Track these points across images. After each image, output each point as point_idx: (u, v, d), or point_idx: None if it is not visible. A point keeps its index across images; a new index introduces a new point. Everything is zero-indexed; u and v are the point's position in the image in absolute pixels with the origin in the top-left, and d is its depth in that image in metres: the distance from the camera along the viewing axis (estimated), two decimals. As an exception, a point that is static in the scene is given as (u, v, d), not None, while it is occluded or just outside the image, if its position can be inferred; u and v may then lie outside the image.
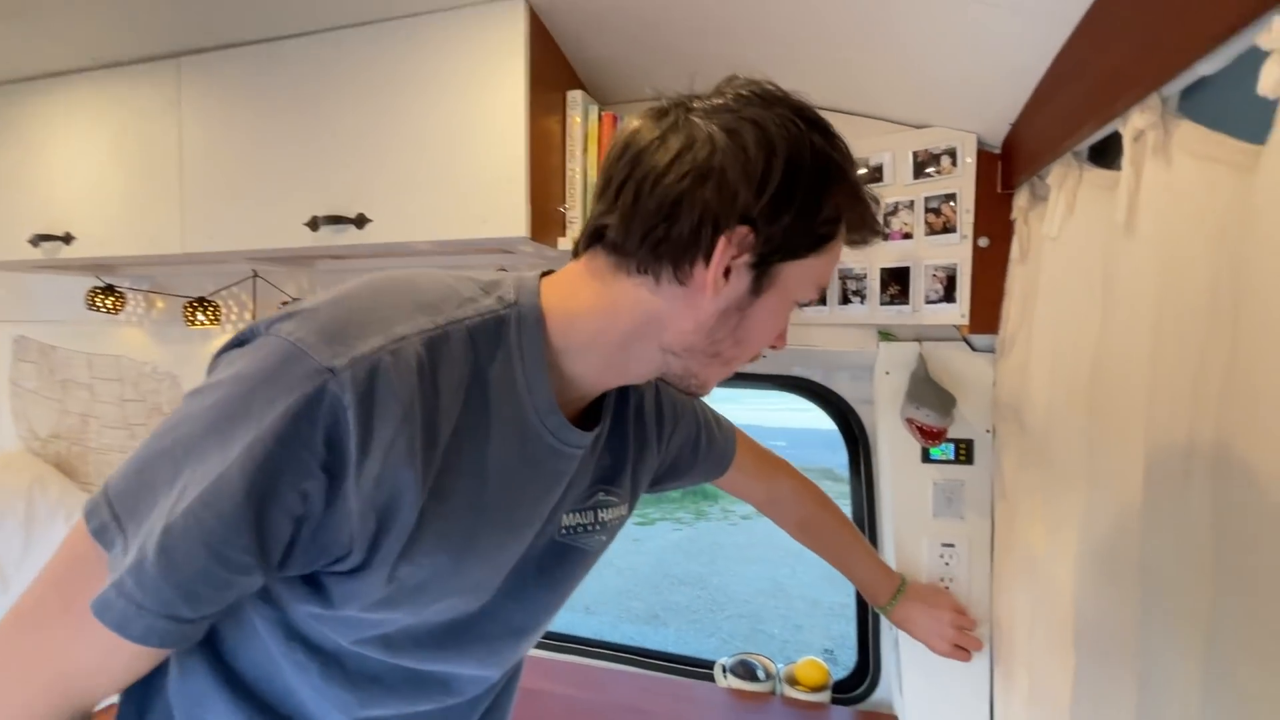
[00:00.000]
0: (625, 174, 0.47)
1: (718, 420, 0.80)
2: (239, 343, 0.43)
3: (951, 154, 0.96)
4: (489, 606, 0.53)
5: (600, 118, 1.06)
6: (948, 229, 0.97)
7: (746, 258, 0.46)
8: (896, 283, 1.01)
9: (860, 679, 1.32)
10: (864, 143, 1.01)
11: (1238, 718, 0.41)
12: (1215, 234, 0.48)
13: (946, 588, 1.04)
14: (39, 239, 1.25)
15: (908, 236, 1.00)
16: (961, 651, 0.95)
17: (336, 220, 1.03)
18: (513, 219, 0.95)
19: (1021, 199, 0.89)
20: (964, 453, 1.03)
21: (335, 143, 1.04)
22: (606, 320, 0.49)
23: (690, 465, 0.75)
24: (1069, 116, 0.70)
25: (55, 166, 1.26)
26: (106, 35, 1.13)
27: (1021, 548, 0.87)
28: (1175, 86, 0.53)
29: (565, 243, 1.04)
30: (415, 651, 0.51)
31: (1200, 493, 0.46)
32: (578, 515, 0.57)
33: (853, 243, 0.52)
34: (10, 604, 0.43)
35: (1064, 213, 0.73)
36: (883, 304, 1.02)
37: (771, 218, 0.45)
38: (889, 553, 1.10)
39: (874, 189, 1.00)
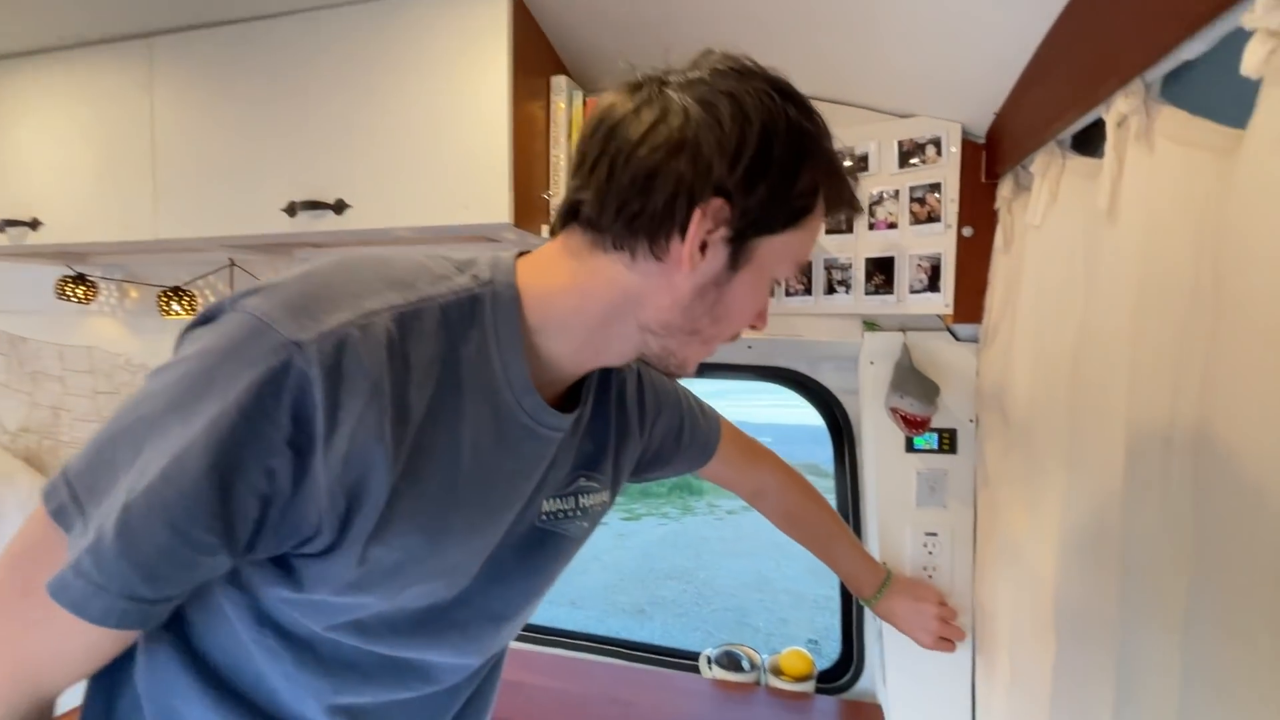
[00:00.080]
0: (599, 148, 0.46)
1: (702, 409, 0.80)
2: (205, 319, 0.42)
3: (936, 143, 0.96)
4: (466, 593, 0.52)
5: (585, 103, 1.04)
6: (932, 218, 0.97)
7: (723, 232, 0.46)
8: (881, 272, 1.01)
9: (844, 669, 1.33)
10: (849, 132, 1.01)
11: (1216, 700, 0.41)
12: (1197, 219, 0.48)
13: (930, 577, 1.04)
14: (4, 224, 1.22)
15: (893, 226, 1.00)
16: (946, 643, 0.96)
17: (315, 206, 1.01)
18: (495, 205, 0.93)
19: (1005, 189, 0.89)
20: (947, 442, 1.04)
21: (314, 126, 1.02)
22: (583, 298, 0.48)
23: (674, 454, 0.75)
24: (1053, 104, 0.71)
25: (22, 149, 1.22)
26: (75, 13, 1.10)
27: (1004, 535, 0.88)
28: (1158, 72, 0.53)
29: (550, 230, 1.03)
30: (391, 638, 0.50)
31: (1180, 478, 0.47)
32: (558, 501, 0.56)
33: (832, 220, 0.52)
34: None
35: (1047, 201, 0.73)
36: (867, 294, 1.02)
37: (746, 190, 0.45)
38: (873, 542, 1.11)
39: (859, 178, 1.01)
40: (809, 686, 1.28)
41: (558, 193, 1.04)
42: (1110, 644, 0.56)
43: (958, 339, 1.04)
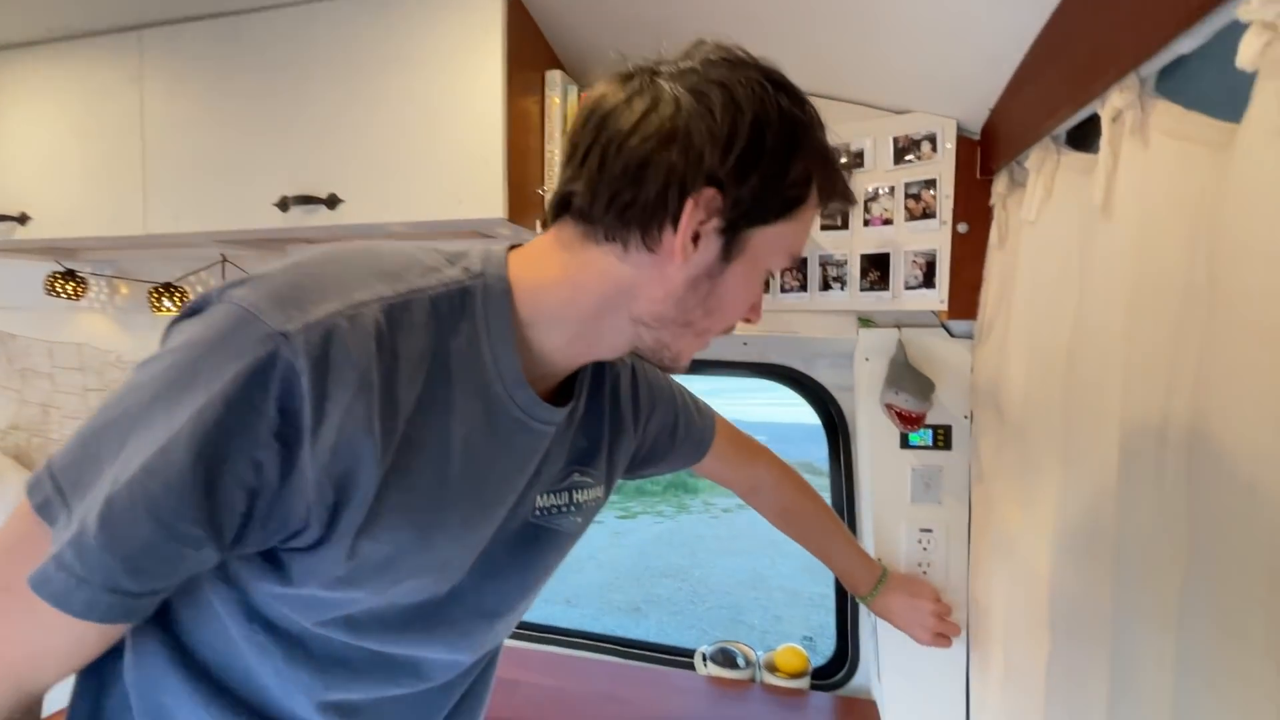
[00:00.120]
0: (591, 139, 0.46)
1: (697, 405, 0.79)
2: (192, 311, 0.41)
3: (931, 139, 0.96)
4: (459, 588, 0.52)
5: (579, 99, 1.04)
6: (927, 215, 0.97)
7: (715, 222, 0.46)
8: (876, 269, 1.01)
9: (839, 666, 1.33)
10: (845, 128, 1.01)
11: (1210, 694, 0.41)
12: (1192, 214, 0.48)
13: (924, 573, 1.05)
14: (-8, 219, 1.20)
15: (888, 223, 1.00)
16: (942, 639, 0.96)
17: (307, 200, 1.00)
18: (489, 200, 0.93)
19: (1000, 185, 0.89)
20: (942, 438, 1.04)
21: (306, 120, 1.01)
22: (575, 290, 0.48)
23: (668, 450, 0.74)
24: (1048, 99, 0.71)
25: (10, 143, 1.20)
26: (64, 5, 1.08)
27: (998, 531, 0.88)
28: (1153, 66, 0.53)
29: (541, 223, 1.03)
30: (382, 634, 0.50)
31: (1174, 473, 0.47)
32: (552, 496, 0.56)
33: (825, 212, 0.52)
34: None
35: (1042, 196, 0.73)
36: (863, 290, 1.02)
37: (738, 179, 0.44)
38: (868, 539, 1.11)
39: (855, 174, 1.00)
40: (804, 683, 1.28)
41: (552, 188, 1.03)
42: (1104, 639, 0.56)
43: (952, 335, 1.04)
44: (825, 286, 1.05)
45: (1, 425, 1.79)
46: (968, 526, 1.03)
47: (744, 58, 0.47)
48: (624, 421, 0.64)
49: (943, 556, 1.03)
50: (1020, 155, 0.80)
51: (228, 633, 0.47)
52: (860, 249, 1.02)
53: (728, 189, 0.44)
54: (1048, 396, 0.71)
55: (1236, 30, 0.41)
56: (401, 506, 0.43)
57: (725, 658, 1.33)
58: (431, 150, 0.96)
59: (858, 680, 1.30)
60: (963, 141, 0.95)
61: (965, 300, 0.96)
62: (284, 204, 1.01)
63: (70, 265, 1.56)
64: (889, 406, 1.01)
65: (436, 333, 0.44)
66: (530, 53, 1.00)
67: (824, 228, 1.04)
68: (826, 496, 1.05)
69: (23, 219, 1.20)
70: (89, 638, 0.41)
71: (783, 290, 1.08)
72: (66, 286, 1.55)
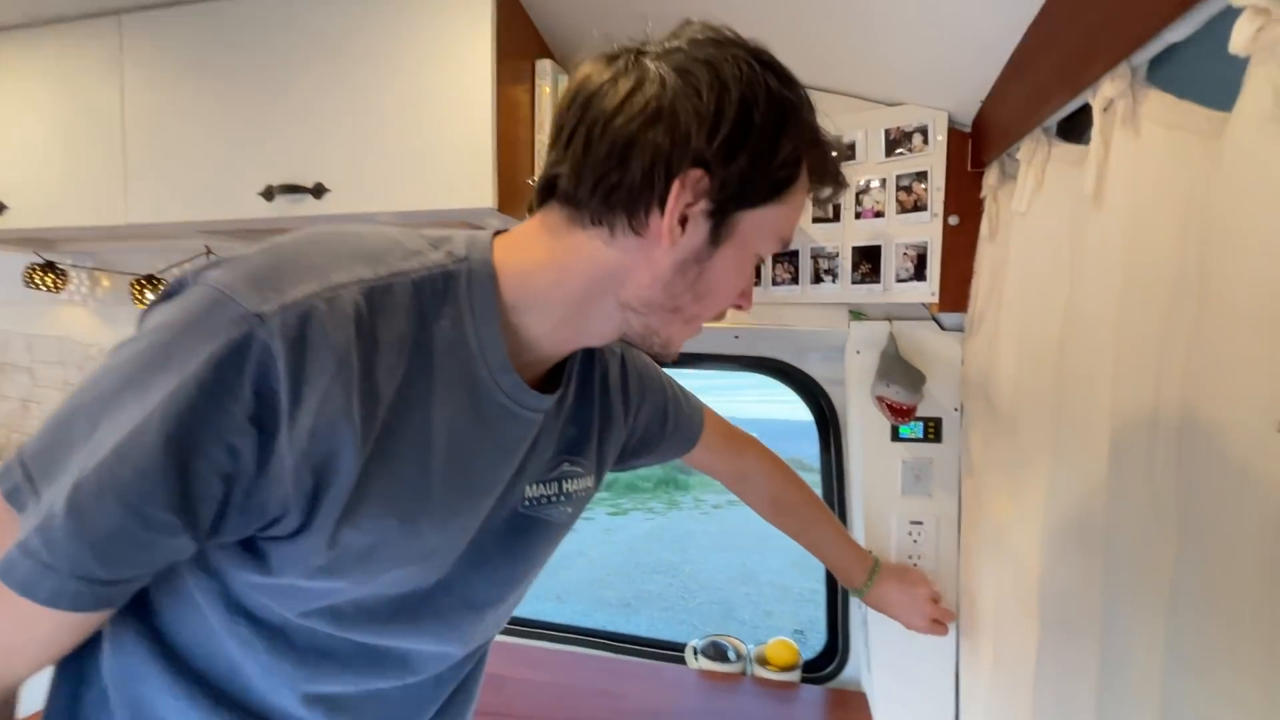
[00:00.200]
0: (575, 120, 0.45)
1: (685, 395, 0.79)
2: (168, 295, 0.41)
3: (923, 132, 0.96)
4: (446, 579, 0.51)
5: (570, 89, 1.03)
6: (918, 207, 0.97)
7: (703, 205, 0.45)
8: (867, 261, 1.01)
9: (829, 658, 1.33)
10: (836, 120, 0.98)
11: (1199, 682, 0.41)
12: (1182, 203, 0.48)
13: (915, 565, 1.05)
14: (-32, 209, 1.17)
15: (879, 215, 1.00)
16: (939, 626, 0.97)
17: (293, 190, 0.98)
18: (479, 190, 0.92)
19: (991, 177, 0.89)
20: (932, 431, 1.04)
21: (292, 107, 0.99)
22: (561, 274, 0.47)
23: (659, 439, 0.74)
24: (1039, 90, 0.71)
25: (-15, 131, 1.17)
26: (41, -11, 1.06)
27: (988, 522, 0.89)
28: (1145, 55, 0.53)
29: (527, 208, 1.02)
30: (368, 625, 0.49)
31: (1164, 463, 0.47)
32: (541, 486, 0.55)
33: (816, 195, 0.51)
34: None
35: (1033, 188, 0.73)
36: (854, 283, 1.02)
37: (726, 160, 0.44)
38: (858, 531, 1.11)
39: (846, 167, 1.00)
40: (795, 676, 1.28)
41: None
42: (1094, 629, 0.56)
43: (943, 328, 1.04)
44: (816, 279, 1.05)
45: (-21, 420, 1.75)
46: (958, 518, 1.03)
47: (731, 37, 0.46)
48: (614, 410, 0.63)
49: (933, 548, 1.04)
50: (1011, 147, 0.80)
51: (209, 624, 0.46)
52: (851, 241, 1.02)
53: (715, 170, 0.44)
54: (1038, 388, 0.72)
55: (1228, 18, 0.41)
56: (384, 494, 0.43)
57: (716, 651, 1.33)
58: (420, 139, 0.94)
59: (848, 673, 1.31)
60: (954, 134, 0.95)
61: (956, 293, 0.96)
62: (269, 193, 1.00)
63: (49, 257, 1.53)
64: (880, 399, 1.01)
65: (419, 317, 0.43)
66: (520, 41, 0.99)
67: (815, 220, 1.04)
68: (817, 491, 1.05)
69: (0, 208, 1.17)
70: (62, 628, 0.40)
71: (774, 283, 1.08)
72: (46, 279, 1.52)
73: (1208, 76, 0.49)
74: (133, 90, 1.07)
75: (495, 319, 0.46)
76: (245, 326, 0.37)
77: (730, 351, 1.31)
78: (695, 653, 1.34)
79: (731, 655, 1.32)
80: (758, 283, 1.08)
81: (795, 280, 1.06)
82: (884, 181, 0.99)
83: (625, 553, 6.40)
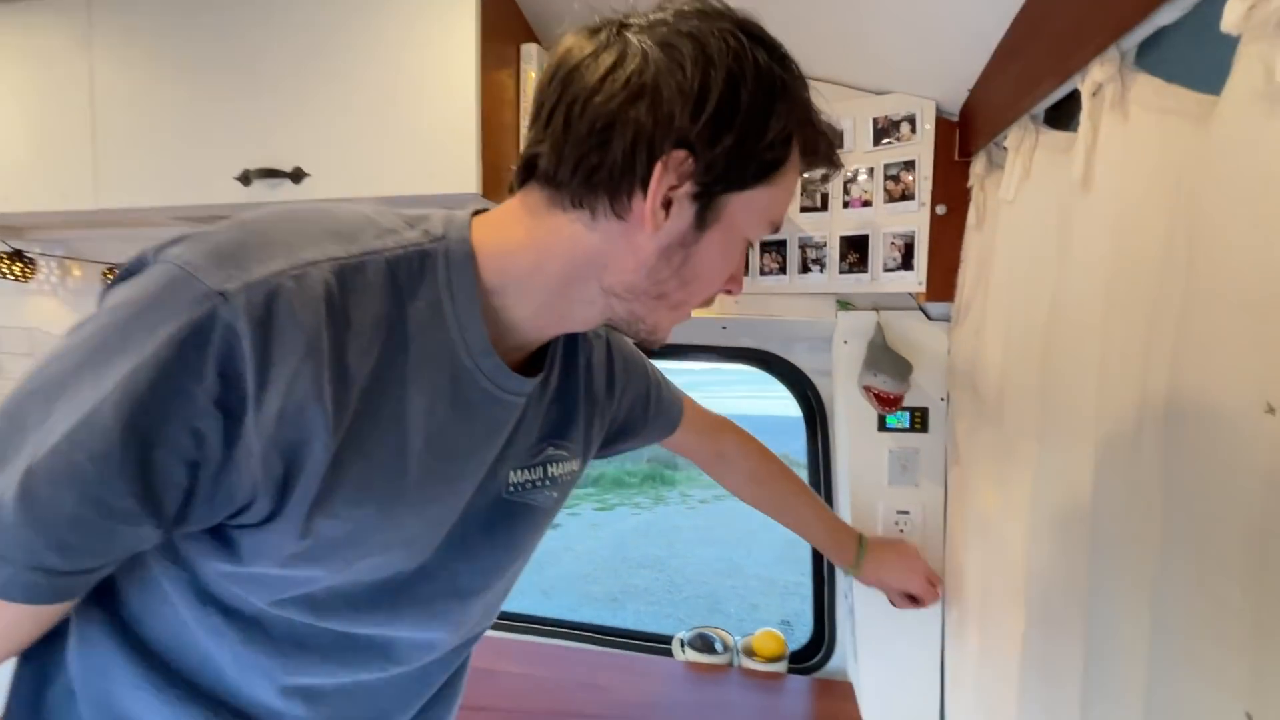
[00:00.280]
0: (556, 97, 0.43)
1: (666, 380, 0.79)
2: (128, 273, 0.38)
3: (911, 121, 0.96)
4: (429, 566, 0.50)
5: (556, 74, 1.01)
6: (906, 196, 0.97)
7: (688, 187, 0.43)
8: (855, 251, 1.01)
9: (816, 649, 1.34)
10: (824, 108, 1.00)
11: (1184, 670, 0.41)
12: (1171, 187, 0.48)
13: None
14: (-70, 193, 1.13)
15: (867, 204, 1.00)
16: (934, 590, 0.97)
17: (271, 174, 0.96)
18: (463, 175, 0.90)
19: (978, 166, 0.89)
20: (919, 421, 1.04)
21: (269, 89, 0.96)
22: (541, 256, 0.45)
23: (643, 423, 0.73)
24: (1027, 76, 0.70)
25: (-53, 112, 1.13)
26: (4, -36, 1.02)
27: (974, 511, 0.89)
28: (1134, 38, 0.53)
29: (508, 188, 1.00)
30: (347, 613, 0.47)
31: (1150, 448, 0.47)
32: (526, 472, 0.54)
33: (809, 176, 0.50)
34: None
35: (1020, 176, 0.73)
36: (841, 272, 1.02)
37: (711, 141, 0.42)
38: (845, 521, 1.11)
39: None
40: (781, 667, 1.29)
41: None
42: (1079, 615, 0.56)
43: (930, 318, 1.04)
44: (804, 269, 1.05)
45: (-55, 414, 1.70)
46: (944, 508, 1.04)
47: (719, 8, 0.44)
48: (599, 393, 0.62)
49: (919, 537, 1.04)
50: (999, 136, 0.80)
51: (179, 615, 0.44)
52: (839, 231, 1.02)
53: (699, 151, 0.42)
54: (1024, 377, 0.72)
55: (1213, 5, 0.41)
56: (359, 481, 0.41)
57: (703, 643, 1.33)
58: (402, 123, 0.92)
59: (834, 663, 1.31)
60: (941, 123, 0.95)
61: (943, 282, 0.97)
62: (246, 178, 0.97)
63: (17, 245, 1.48)
64: (867, 388, 1.01)
65: (393, 297, 0.41)
66: (505, 25, 0.97)
67: (803, 209, 1.03)
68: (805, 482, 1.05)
69: (-38, 193, 1.13)
70: (19, 621, 0.39)
71: (762, 273, 1.07)
72: (14, 267, 1.47)
73: (1196, 60, 0.49)
74: (103, 70, 1.04)
75: (475, 302, 0.45)
76: (208, 305, 0.35)
77: (717, 343, 1.30)
78: (682, 645, 1.34)
79: (718, 647, 1.32)
80: (747, 270, 1.08)
81: (783, 270, 1.06)
82: (872, 171, 0.99)
83: (612, 547, 6.40)
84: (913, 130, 0.96)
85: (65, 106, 1.05)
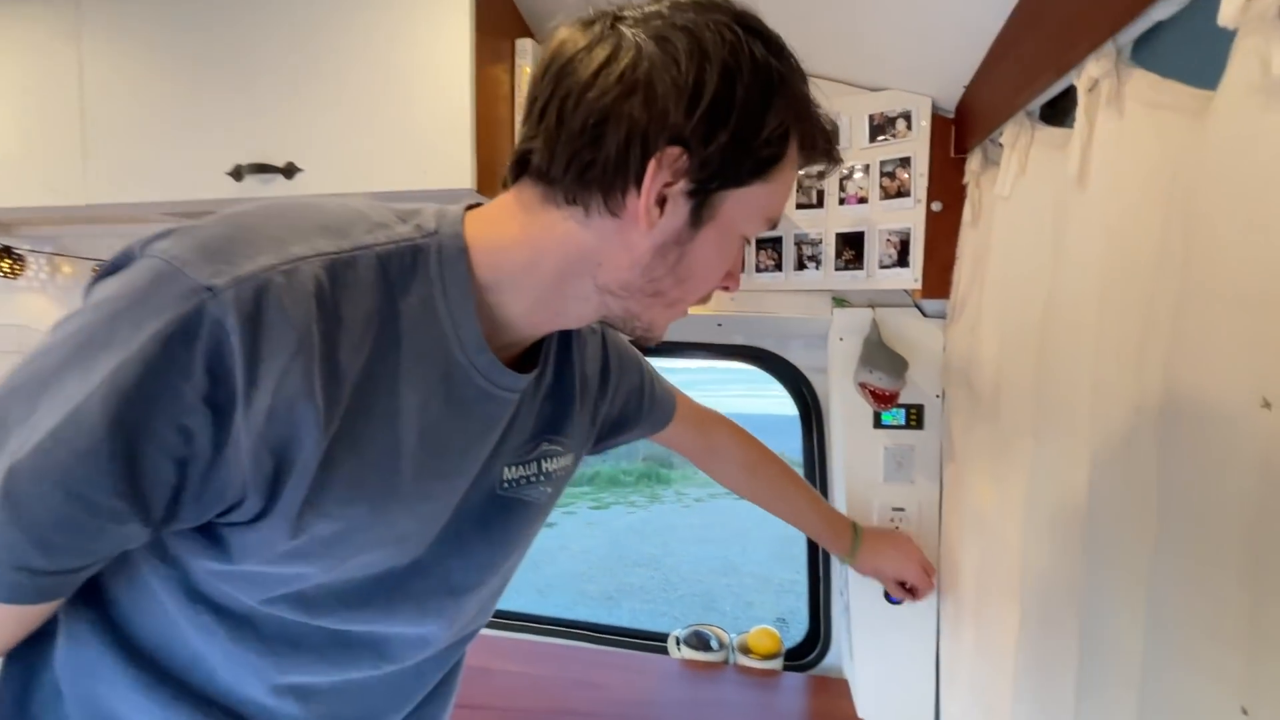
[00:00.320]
0: (549, 92, 0.42)
1: (658, 374, 0.79)
2: (114, 268, 0.38)
3: (906, 117, 0.96)
4: (421, 562, 0.49)
5: (551, 70, 1.01)
6: (902, 193, 0.97)
7: (682, 184, 0.42)
8: (851, 248, 1.01)
9: (811, 646, 1.34)
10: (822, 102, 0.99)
11: (1179, 663, 0.41)
12: (1166, 182, 0.48)
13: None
14: (-84, 188, 1.11)
15: (863, 201, 1.00)
16: (929, 579, 0.98)
17: (263, 169, 0.95)
18: (457, 170, 0.89)
19: (974, 163, 0.89)
20: (914, 418, 1.05)
21: (262, 83, 0.95)
22: (535, 253, 0.45)
23: (637, 417, 0.73)
24: (1023, 73, 0.70)
25: (-66, 106, 1.12)
26: (-9, -44, 1.01)
27: (970, 507, 0.89)
28: (1130, 34, 0.53)
29: (502, 184, 1.00)
30: (339, 610, 0.47)
31: (1145, 446, 0.47)
32: (520, 468, 0.54)
33: (807, 172, 0.49)
34: None
35: (1016, 172, 0.73)
36: (837, 269, 1.02)
37: (706, 137, 0.41)
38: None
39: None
40: (777, 664, 1.29)
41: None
42: (1075, 611, 0.56)
43: (925, 315, 1.04)
44: (800, 266, 1.04)
45: (-67, 412, 1.68)
46: (939, 504, 1.04)
47: (715, 0, 0.43)
48: (593, 388, 0.62)
49: (915, 534, 1.04)
50: (995, 132, 0.80)
51: (168, 613, 0.43)
52: (835, 228, 1.02)
53: (694, 148, 0.41)
54: (1019, 373, 0.72)
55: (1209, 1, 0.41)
56: (351, 478, 0.41)
57: (699, 641, 1.33)
58: (396, 118, 0.91)
59: (830, 660, 1.31)
60: (937, 119, 0.95)
61: (938, 279, 0.97)
62: (238, 173, 0.96)
63: (6, 241, 1.46)
64: (863, 385, 1.01)
65: (385, 293, 0.41)
66: (500, 19, 0.96)
67: (799, 206, 1.03)
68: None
69: (-50, 188, 1.11)
70: (4, 622, 0.38)
71: (758, 270, 1.07)
72: (2, 264, 1.45)
73: (1192, 55, 0.49)
74: (92, 63, 1.02)
75: (469, 298, 0.44)
76: (196, 300, 0.34)
77: (712, 340, 1.30)
78: (678, 643, 1.34)
79: (714, 644, 1.32)
80: (744, 266, 1.07)
81: (779, 267, 1.06)
82: (867, 167, 0.99)
83: (607, 546, 6.40)
84: (908, 127, 0.96)
85: (54, 100, 1.04)
